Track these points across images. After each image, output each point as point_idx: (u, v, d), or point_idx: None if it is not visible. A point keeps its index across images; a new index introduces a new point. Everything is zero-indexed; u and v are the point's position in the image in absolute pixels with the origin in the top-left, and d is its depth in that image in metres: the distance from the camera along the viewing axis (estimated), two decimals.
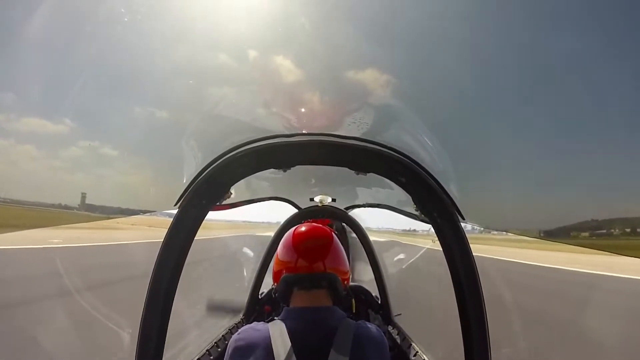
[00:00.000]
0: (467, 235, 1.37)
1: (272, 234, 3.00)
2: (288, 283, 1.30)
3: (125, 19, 1.02)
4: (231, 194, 1.53)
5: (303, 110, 1.33)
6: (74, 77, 1.24)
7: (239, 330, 1.23)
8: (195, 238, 1.49)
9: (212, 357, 2.11)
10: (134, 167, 1.56)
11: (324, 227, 1.43)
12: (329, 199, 2.67)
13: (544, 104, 1.16)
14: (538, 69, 1.09)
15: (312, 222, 1.48)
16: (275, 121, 1.39)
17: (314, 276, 1.29)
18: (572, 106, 1.15)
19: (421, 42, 1.10)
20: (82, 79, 1.19)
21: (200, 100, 1.31)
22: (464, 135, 1.39)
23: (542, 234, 1.50)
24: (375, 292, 2.89)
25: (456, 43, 1.07)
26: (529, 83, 1.14)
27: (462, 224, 1.38)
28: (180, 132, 1.40)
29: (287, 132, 1.36)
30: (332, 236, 1.39)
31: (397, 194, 2.04)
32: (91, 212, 1.47)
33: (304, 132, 1.38)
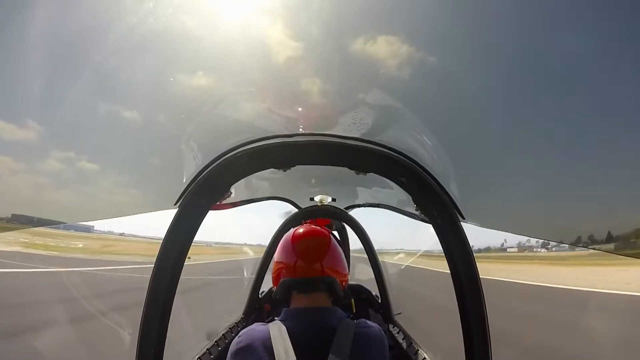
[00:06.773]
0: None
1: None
2: (287, 287, 1.31)
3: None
4: (231, 193, 1.53)
5: (301, 108, 1.29)
6: (34, 73, 1.11)
7: (240, 332, 1.23)
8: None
9: (212, 356, 2.11)
10: (131, 165, 1.53)
11: (321, 228, 1.46)
12: (329, 199, 2.67)
13: (545, 103, 1.16)
14: (540, 69, 1.09)
15: (312, 222, 1.49)
16: (274, 119, 1.37)
17: (312, 280, 1.29)
18: (573, 106, 1.15)
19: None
20: (43, 72, 1.08)
21: (188, 96, 1.19)
22: (465, 134, 1.39)
23: None
24: (375, 291, 2.91)
25: (456, 43, 1.06)
26: (530, 83, 1.13)
27: (462, 224, 1.38)
28: (178, 131, 1.37)
29: (287, 131, 1.35)
30: (330, 237, 1.41)
31: (397, 193, 2.04)
32: None
33: (304, 131, 1.37)
